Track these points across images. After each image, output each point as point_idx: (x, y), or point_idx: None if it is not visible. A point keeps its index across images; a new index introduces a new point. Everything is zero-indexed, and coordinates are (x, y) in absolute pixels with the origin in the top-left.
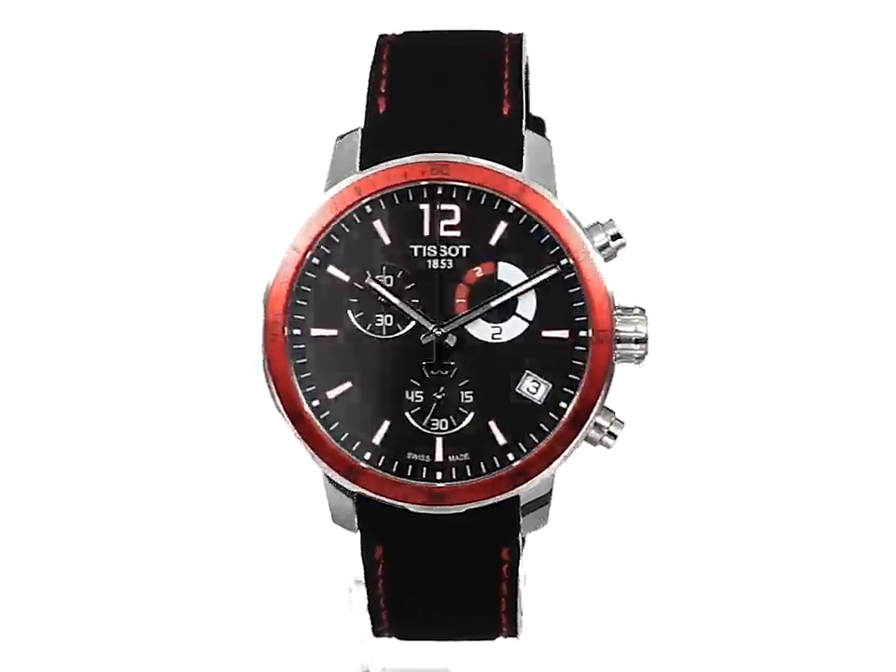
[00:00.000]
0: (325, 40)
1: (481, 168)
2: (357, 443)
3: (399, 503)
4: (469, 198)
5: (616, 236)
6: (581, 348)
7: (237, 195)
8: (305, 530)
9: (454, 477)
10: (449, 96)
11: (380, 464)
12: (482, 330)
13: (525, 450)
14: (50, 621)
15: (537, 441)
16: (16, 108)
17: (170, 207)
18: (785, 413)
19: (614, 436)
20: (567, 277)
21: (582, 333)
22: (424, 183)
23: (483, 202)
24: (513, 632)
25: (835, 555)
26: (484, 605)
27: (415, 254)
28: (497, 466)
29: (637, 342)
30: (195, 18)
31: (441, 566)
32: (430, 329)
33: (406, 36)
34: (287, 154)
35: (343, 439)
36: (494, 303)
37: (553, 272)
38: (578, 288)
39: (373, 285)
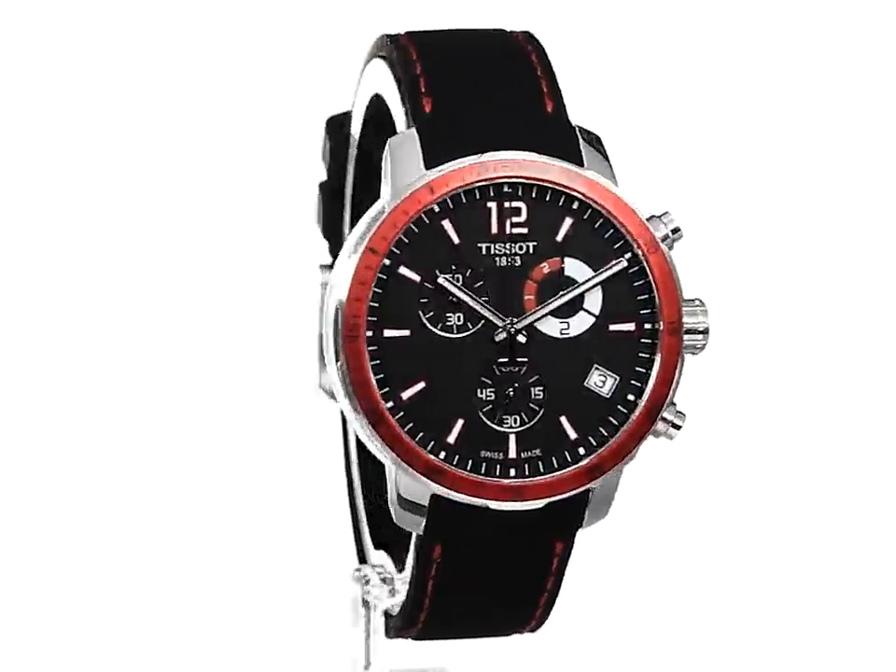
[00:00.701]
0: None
1: (551, 165)
2: (432, 443)
3: (480, 501)
4: (534, 195)
5: (676, 230)
6: (647, 341)
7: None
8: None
9: (527, 473)
10: (492, 95)
11: (455, 463)
12: (550, 326)
13: (595, 444)
14: (46, 617)
15: (607, 435)
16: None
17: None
18: (812, 411)
19: (678, 427)
20: (632, 271)
21: (648, 326)
22: (492, 181)
23: (548, 198)
24: (538, 627)
25: (858, 565)
26: (526, 600)
27: (483, 252)
28: (569, 461)
29: (701, 332)
30: (185, 17)
31: (497, 562)
32: (503, 326)
33: (423, 36)
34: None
35: (417, 439)
36: (563, 299)
37: (620, 266)
38: (643, 281)
39: (445, 284)
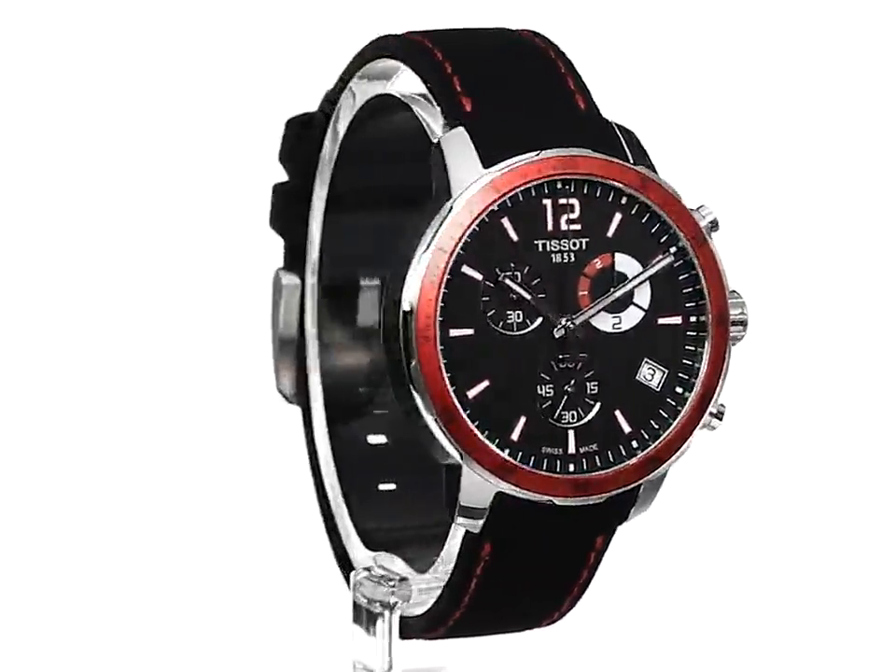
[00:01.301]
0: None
1: (604, 160)
2: (497, 441)
3: (546, 497)
4: (586, 191)
5: (714, 222)
6: (693, 333)
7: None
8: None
9: (585, 469)
10: (527, 93)
11: (518, 459)
12: (603, 321)
13: (647, 437)
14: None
15: (658, 427)
16: None
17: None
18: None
19: (720, 417)
20: (678, 264)
21: (693, 318)
22: (548, 179)
23: (598, 194)
24: (558, 620)
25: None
26: (558, 594)
27: (540, 249)
28: (624, 455)
29: (741, 324)
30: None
31: (540, 558)
32: (562, 322)
33: (440, 35)
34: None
35: (485, 437)
36: (617, 294)
37: (668, 259)
38: (689, 274)
39: (507, 282)
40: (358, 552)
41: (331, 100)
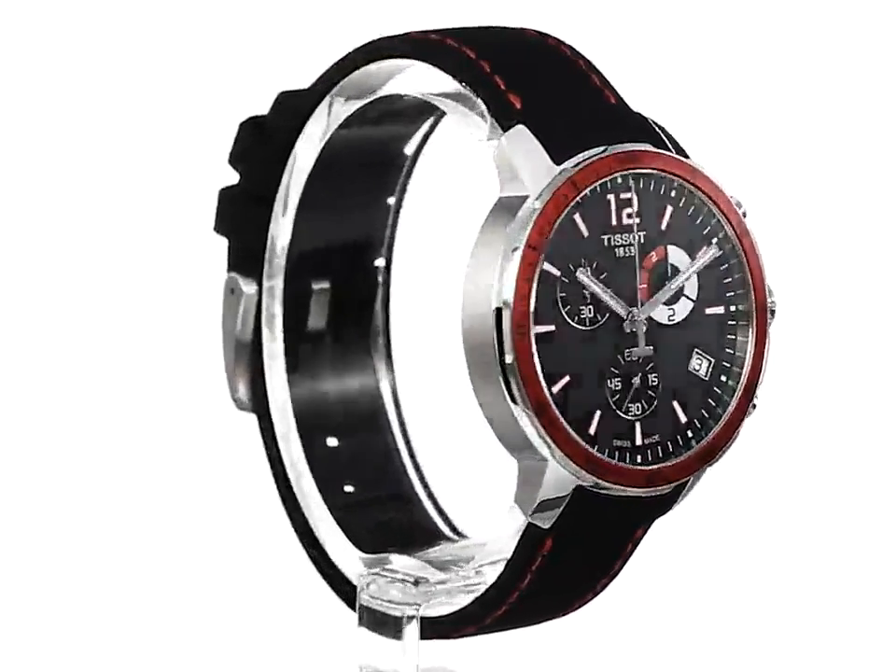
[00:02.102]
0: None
1: (659, 154)
2: (580, 435)
3: (625, 490)
4: (641, 185)
5: (745, 214)
6: (733, 322)
7: None
8: None
9: (650, 459)
10: (566, 90)
11: (597, 453)
12: (660, 313)
13: (700, 427)
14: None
15: (708, 416)
16: None
17: None
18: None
19: (755, 406)
20: (720, 254)
21: (733, 308)
22: (617, 173)
23: (652, 187)
24: (579, 609)
25: None
26: (592, 585)
27: (606, 244)
28: (681, 445)
29: (773, 313)
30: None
31: (589, 551)
32: (630, 316)
33: (464, 34)
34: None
35: (572, 431)
36: (674, 286)
37: (714, 251)
38: (730, 264)
39: (582, 277)
40: (348, 559)
41: (305, 105)
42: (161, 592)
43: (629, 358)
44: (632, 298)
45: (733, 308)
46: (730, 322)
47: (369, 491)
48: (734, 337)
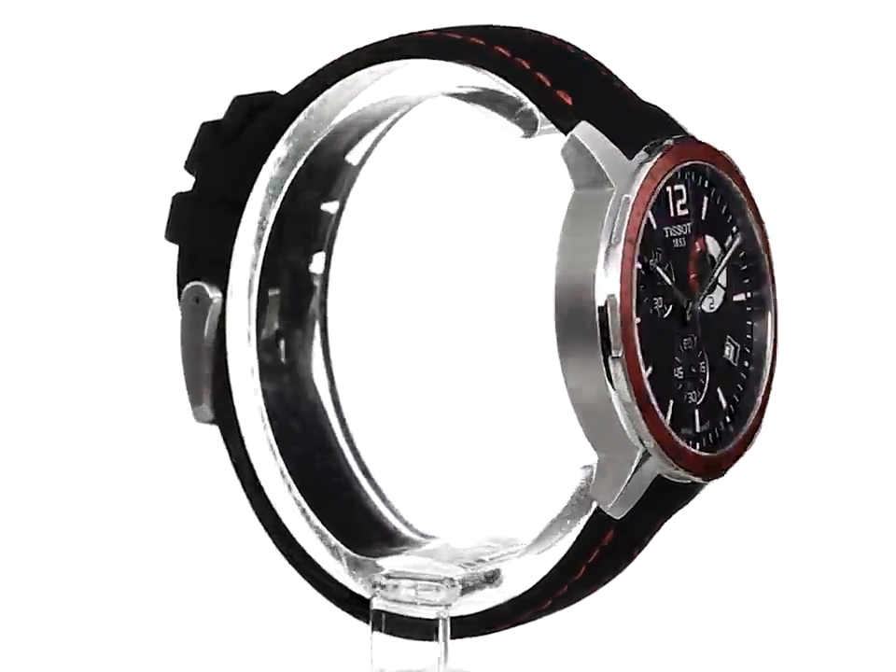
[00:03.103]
0: None
1: (704, 146)
2: (668, 426)
3: (692, 479)
4: (685, 176)
5: None
6: (750, 309)
7: None
8: None
9: (704, 447)
10: (598, 87)
11: (680, 441)
12: (705, 302)
13: (734, 412)
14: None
15: (739, 402)
16: None
17: None
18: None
19: None
20: (742, 242)
21: (750, 295)
22: (674, 167)
23: (693, 178)
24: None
25: None
26: (614, 575)
27: (666, 235)
28: (724, 431)
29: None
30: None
31: (632, 541)
32: (692, 306)
33: (490, 33)
34: None
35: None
36: (717, 275)
37: (739, 239)
38: (749, 251)
39: (657, 269)
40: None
41: (283, 121)
42: (161, 595)
43: (687, 347)
44: (687, 287)
45: (750, 295)
46: (748, 309)
47: (325, 498)
48: (751, 323)
